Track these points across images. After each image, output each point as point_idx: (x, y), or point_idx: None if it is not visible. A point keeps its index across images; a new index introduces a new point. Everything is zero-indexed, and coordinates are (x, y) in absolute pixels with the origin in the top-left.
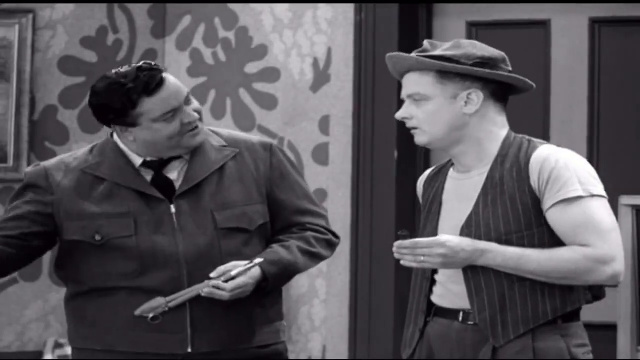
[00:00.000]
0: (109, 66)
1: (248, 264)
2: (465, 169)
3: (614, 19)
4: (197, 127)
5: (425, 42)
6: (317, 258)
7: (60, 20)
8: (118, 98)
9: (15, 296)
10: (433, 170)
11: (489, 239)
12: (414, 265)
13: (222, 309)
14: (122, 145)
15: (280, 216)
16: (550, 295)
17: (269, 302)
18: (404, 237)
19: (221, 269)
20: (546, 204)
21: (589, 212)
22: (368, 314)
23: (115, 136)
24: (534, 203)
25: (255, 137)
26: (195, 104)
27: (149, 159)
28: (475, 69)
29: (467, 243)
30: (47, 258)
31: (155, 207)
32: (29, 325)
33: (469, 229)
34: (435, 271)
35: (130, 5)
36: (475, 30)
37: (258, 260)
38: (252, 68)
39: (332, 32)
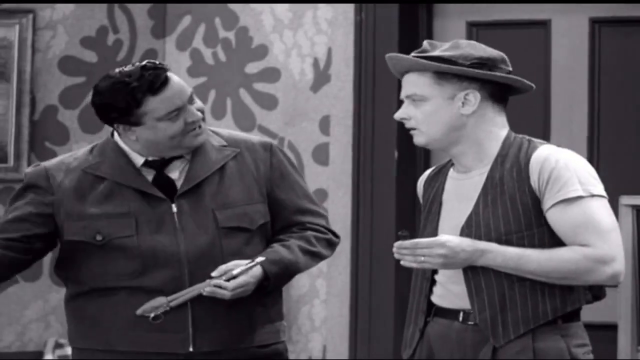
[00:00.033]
0: (109, 66)
1: (249, 263)
2: (465, 169)
3: (614, 19)
4: (200, 126)
5: (425, 43)
6: (317, 257)
7: (61, 20)
8: (122, 97)
9: (15, 296)
10: (433, 170)
11: (489, 239)
12: (414, 265)
13: (224, 308)
14: (122, 145)
15: (280, 216)
16: (550, 295)
17: (270, 301)
18: (404, 238)
19: (222, 268)
20: (546, 204)
21: (589, 212)
22: (368, 314)
23: (116, 136)
24: (534, 203)
25: (255, 137)
26: (198, 103)
27: (150, 158)
28: (472, 69)
29: (467, 243)
30: (48, 258)
31: (157, 206)
32: (29, 325)
33: (469, 229)
34: (435, 271)
35: (131, 5)
36: (475, 30)
37: (259, 259)
38: (252, 68)
39: (332, 32)
